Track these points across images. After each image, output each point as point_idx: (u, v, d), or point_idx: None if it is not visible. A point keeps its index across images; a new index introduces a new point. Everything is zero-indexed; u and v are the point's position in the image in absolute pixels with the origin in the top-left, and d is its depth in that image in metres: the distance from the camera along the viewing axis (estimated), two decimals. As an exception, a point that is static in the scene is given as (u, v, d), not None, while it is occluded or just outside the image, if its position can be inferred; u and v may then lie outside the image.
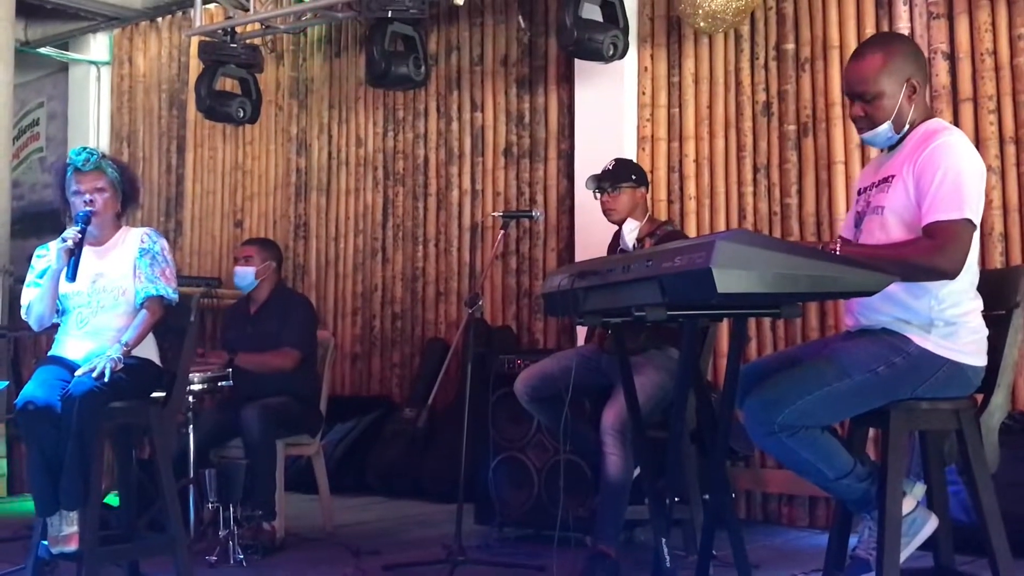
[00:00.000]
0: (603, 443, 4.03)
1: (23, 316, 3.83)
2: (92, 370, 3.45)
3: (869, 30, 5.36)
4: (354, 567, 4.43)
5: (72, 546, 3.43)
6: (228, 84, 7.34)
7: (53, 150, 9.77)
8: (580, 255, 6.21)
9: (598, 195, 4.44)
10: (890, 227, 2.82)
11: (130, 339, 3.62)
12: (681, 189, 5.97)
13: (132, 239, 3.85)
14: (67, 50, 9.20)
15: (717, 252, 2.31)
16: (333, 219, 7.71)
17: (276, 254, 5.45)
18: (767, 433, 2.74)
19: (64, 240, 3.62)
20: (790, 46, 5.63)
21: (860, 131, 2.94)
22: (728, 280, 2.32)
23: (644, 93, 6.11)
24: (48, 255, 3.80)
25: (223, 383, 4.76)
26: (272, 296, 5.24)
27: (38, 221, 9.30)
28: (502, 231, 4.56)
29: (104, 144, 9.19)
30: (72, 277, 3.58)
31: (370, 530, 5.43)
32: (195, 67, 8.46)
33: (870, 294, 2.52)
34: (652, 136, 6.09)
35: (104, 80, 9.26)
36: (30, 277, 3.82)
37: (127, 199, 3.90)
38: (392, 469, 6.65)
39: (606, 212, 4.43)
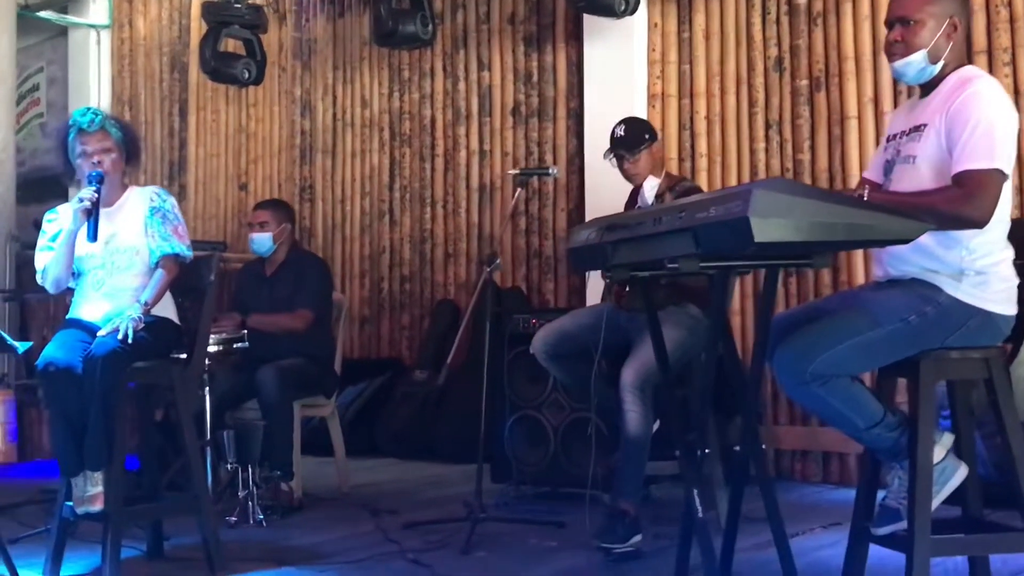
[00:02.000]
0: (622, 400, 4.02)
1: (39, 280, 3.80)
2: (115, 331, 3.43)
3: (882, -16, 5.32)
4: (374, 525, 4.44)
5: (97, 506, 3.42)
6: (231, 46, 7.28)
7: (54, 115, 9.71)
8: (592, 214, 6.16)
9: (616, 163, 4.41)
10: (922, 176, 2.80)
11: (149, 298, 3.60)
12: (692, 147, 5.94)
13: (140, 198, 3.82)
14: (66, 14, 9.12)
15: (754, 200, 2.29)
16: (339, 181, 7.68)
17: (290, 214, 5.42)
18: (799, 383, 2.73)
19: (81, 200, 3.58)
20: (802, 0, 5.58)
21: (893, 57, 2.90)
22: (765, 229, 2.30)
23: (654, 50, 6.07)
24: (59, 218, 3.77)
25: (239, 344, 4.75)
26: (288, 258, 5.22)
27: (39, 187, 9.21)
28: (519, 188, 4.54)
29: (105, 108, 9.12)
30: (94, 237, 3.56)
31: (385, 490, 5.44)
32: (197, 29, 8.41)
33: (905, 242, 2.50)
34: (662, 93, 6.05)
35: (104, 44, 9.20)
36: (43, 241, 3.79)
37: (131, 158, 3.86)
38: (403, 431, 6.65)
39: (629, 177, 4.41)
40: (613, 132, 4.40)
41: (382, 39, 6.24)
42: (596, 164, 6.09)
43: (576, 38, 6.46)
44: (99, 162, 3.68)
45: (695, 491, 2.83)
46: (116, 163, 3.76)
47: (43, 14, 8.93)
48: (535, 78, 6.70)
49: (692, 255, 2.53)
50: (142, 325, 3.49)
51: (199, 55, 6.98)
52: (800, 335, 2.77)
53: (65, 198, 9.15)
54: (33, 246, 7.28)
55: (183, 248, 3.74)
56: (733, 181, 5.76)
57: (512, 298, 6.67)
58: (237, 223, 8.25)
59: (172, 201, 3.85)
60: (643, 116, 5.97)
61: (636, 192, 4.53)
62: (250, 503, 4.45)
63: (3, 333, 3.39)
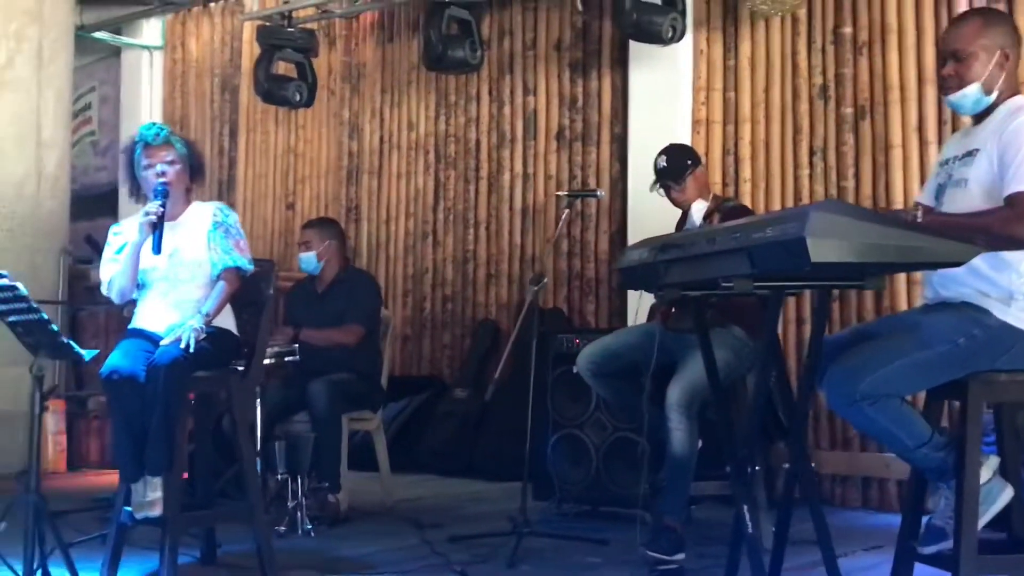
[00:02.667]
0: (668, 419, 4.08)
1: (104, 291, 3.91)
2: (177, 340, 3.54)
3: (927, 14, 5.38)
4: (419, 539, 4.51)
5: (156, 511, 3.51)
6: (283, 68, 7.43)
7: (105, 134, 9.91)
8: (634, 237, 6.25)
9: (664, 194, 4.49)
10: (974, 199, 2.86)
11: (210, 309, 3.70)
12: (736, 172, 6.01)
13: (204, 213, 3.93)
14: (120, 35, 9.31)
15: (811, 221, 2.36)
16: (384, 202, 7.80)
17: (335, 232, 5.52)
18: (849, 403, 2.79)
19: (147, 214, 3.70)
20: (847, 29, 5.65)
21: (948, 91, 2.97)
22: (821, 249, 2.36)
23: (699, 77, 6.15)
24: (124, 232, 3.88)
25: (290, 358, 4.84)
26: (340, 275, 5.33)
27: (90, 204, 9.43)
28: (566, 210, 4.62)
29: (156, 128, 9.31)
30: (158, 249, 3.67)
31: (428, 505, 5.51)
32: (248, 52, 8.58)
33: (957, 265, 2.57)
34: (707, 119, 6.13)
35: (156, 65, 9.38)
36: (108, 253, 3.90)
37: (195, 173, 3.98)
38: (444, 448, 6.73)
39: (677, 204, 4.49)
40: (656, 164, 4.49)
41: (432, 64, 6.36)
42: (639, 188, 6.16)
43: (621, 64, 6.56)
44: (163, 173, 3.79)
45: (745, 508, 2.88)
46: (180, 176, 3.87)
47: (98, 35, 9.11)
48: (580, 103, 6.80)
49: (746, 275, 2.60)
50: (203, 335, 3.59)
51: (252, 77, 7.12)
52: (851, 356, 2.83)
53: (114, 215, 9.38)
54: (84, 261, 7.50)
55: (244, 262, 3.85)
56: (777, 206, 5.82)
57: (554, 319, 6.75)
58: (284, 242, 8.38)
59: (235, 216, 3.97)
60: (687, 141, 6.05)
61: (685, 215, 4.60)
62: (299, 513, 4.54)
63: (72, 342, 3.49)
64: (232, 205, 8.68)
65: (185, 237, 3.85)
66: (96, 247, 8.01)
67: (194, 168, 3.96)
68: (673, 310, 4.43)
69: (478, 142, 7.29)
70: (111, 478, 6.62)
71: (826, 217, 2.39)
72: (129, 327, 3.83)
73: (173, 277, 3.80)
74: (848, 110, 5.64)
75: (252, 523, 3.74)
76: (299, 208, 8.35)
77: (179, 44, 9.24)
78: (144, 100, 9.37)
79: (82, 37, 9.00)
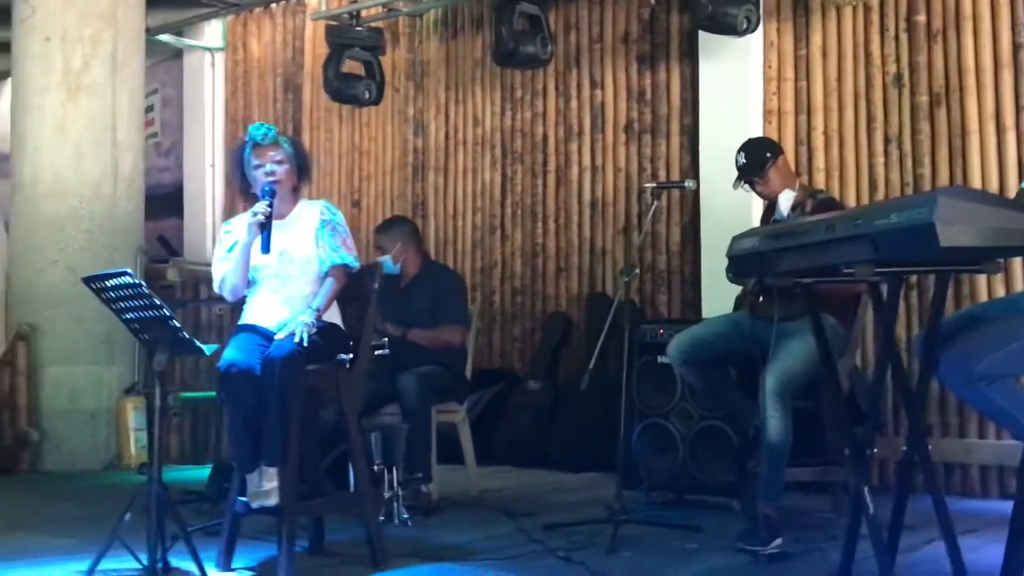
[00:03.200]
0: (764, 407, 4.13)
1: (216, 289, 4.02)
2: (291, 335, 3.63)
3: (1003, 0, 5.39)
4: (513, 527, 4.58)
5: (273, 501, 3.61)
6: (346, 67, 7.51)
7: (168, 135, 10.06)
8: (706, 229, 6.31)
9: (748, 189, 4.54)
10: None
11: (320, 305, 3.80)
12: (809, 162, 6.04)
13: (311, 211, 4.02)
14: (182, 36, 9.45)
15: (940, 207, 2.41)
16: (451, 198, 7.88)
17: (405, 231, 5.58)
18: (966, 382, 2.84)
19: (255, 214, 3.80)
20: (921, 17, 5.67)
21: None
22: (950, 234, 2.41)
23: (770, 67, 6.19)
24: (235, 230, 3.98)
25: (380, 352, 4.93)
26: (422, 271, 5.42)
27: (156, 204, 9.55)
28: (655, 202, 4.67)
29: (219, 129, 9.46)
30: (267, 248, 3.77)
31: (513, 495, 5.59)
32: (310, 51, 8.71)
33: (1082, 248, 2.61)
34: (779, 110, 6.16)
35: (218, 65, 9.51)
36: (219, 251, 4.01)
37: (301, 173, 4.07)
38: (519, 439, 6.81)
39: (764, 197, 4.53)
40: (736, 161, 4.55)
41: (503, 60, 6.43)
42: (711, 179, 6.24)
43: (690, 56, 6.61)
44: (272, 172, 3.89)
45: (865, 489, 2.93)
46: (288, 175, 3.97)
47: (162, 37, 9.25)
48: (648, 95, 6.85)
49: (867, 261, 2.65)
50: (314, 329, 3.69)
51: (322, 76, 7.22)
52: (968, 337, 2.88)
53: (180, 215, 9.51)
54: (159, 260, 7.63)
55: (351, 259, 3.94)
56: (851, 195, 5.84)
57: (625, 311, 6.80)
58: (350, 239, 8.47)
59: (340, 214, 4.06)
60: (759, 132, 6.10)
61: (772, 206, 4.65)
62: (395, 504, 4.62)
63: (193, 339, 3.59)
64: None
65: (294, 235, 3.95)
66: (168, 247, 8.19)
67: (301, 167, 4.05)
68: (760, 299, 4.48)
69: (545, 136, 7.35)
70: (193, 473, 6.78)
71: (954, 202, 2.44)
72: (239, 323, 3.93)
73: (283, 274, 3.90)
74: (923, 98, 5.65)
75: (362, 512, 3.83)
76: (365, 205, 8.46)
77: (240, 45, 9.36)
78: (207, 101, 9.51)
79: (147, 40, 9.16)
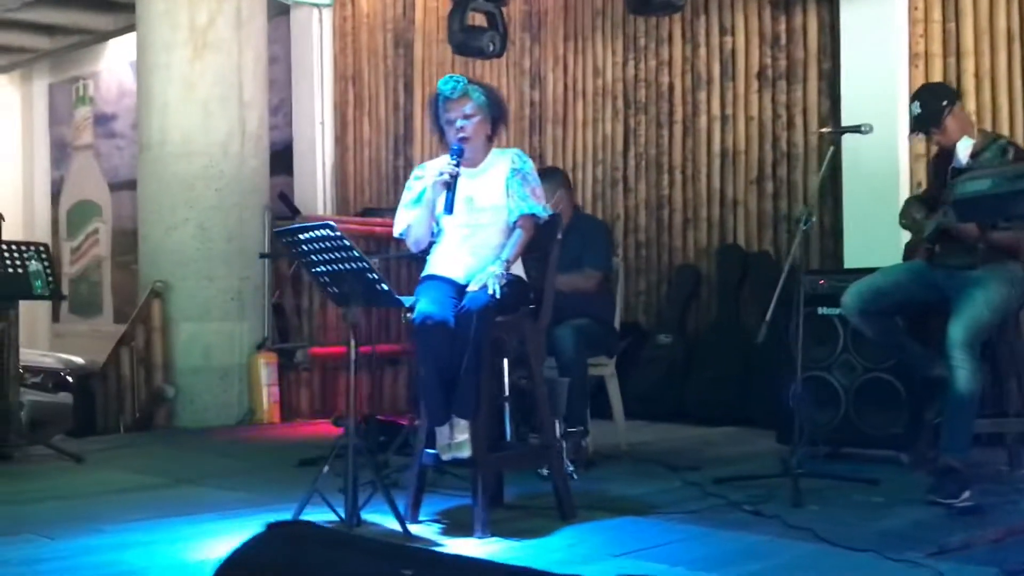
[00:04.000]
0: (951, 357, 4.01)
1: (396, 234, 3.99)
2: (485, 286, 3.59)
3: None
4: (681, 481, 4.52)
5: (465, 453, 3.59)
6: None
7: (276, 93, 10.00)
8: (848, 178, 6.16)
9: (924, 140, 4.39)
10: None
11: (509, 256, 3.75)
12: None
13: (503, 160, 3.96)
14: (290, -7, 9.43)
15: None
16: (570, 150, 7.79)
17: (560, 180, 5.50)
18: None
19: (441, 173, 3.75)
20: (1086, -49, 5.45)
21: None
22: None
23: (916, 8, 6.00)
24: (425, 177, 3.94)
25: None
26: (572, 221, 5.33)
27: (265, 162, 9.59)
28: (831, 147, 4.54)
29: (328, 85, 9.45)
30: (450, 209, 3.73)
31: (661, 449, 5.53)
32: (421, 5, 8.65)
33: None
34: (926, 52, 5.98)
35: (326, 22, 9.47)
36: (406, 197, 3.98)
37: (496, 121, 4.01)
38: (651, 393, 6.74)
39: (941, 147, 4.38)
40: (911, 111, 4.40)
41: (638, 7, 6.29)
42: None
43: (828, -1, 6.44)
44: (462, 128, 3.84)
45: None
46: (479, 126, 3.91)
47: (269, -5, 9.23)
48: (783, 41, 6.68)
49: None
50: (504, 281, 3.64)
51: (447, 28, 7.12)
52: None
53: (290, 173, 9.49)
54: (282, 217, 7.62)
55: (540, 209, 3.88)
56: (1005, 140, 5.66)
57: (759, 262, 6.70)
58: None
59: (531, 163, 3.99)
60: (904, 76, 5.95)
61: (946, 155, 4.50)
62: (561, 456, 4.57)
63: (391, 291, 3.54)
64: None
65: (485, 184, 3.90)
66: (289, 204, 8.19)
67: (495, 115, 3.99)
68: (936, 247, 4.35)
69: (671, 85, 7.22)
70: (324, 427, 6.82)
71: None
72: (425, 273, 3.89)
73: (473, 224, 3.85)
74: (1088, 36, 5.45)
75: (550, 463, 3.79)
76: (480, 159, 8.39)
77: (348, 1, 9.31)
78: (315, 58, 9.49)
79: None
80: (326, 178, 9.47)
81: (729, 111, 6.92)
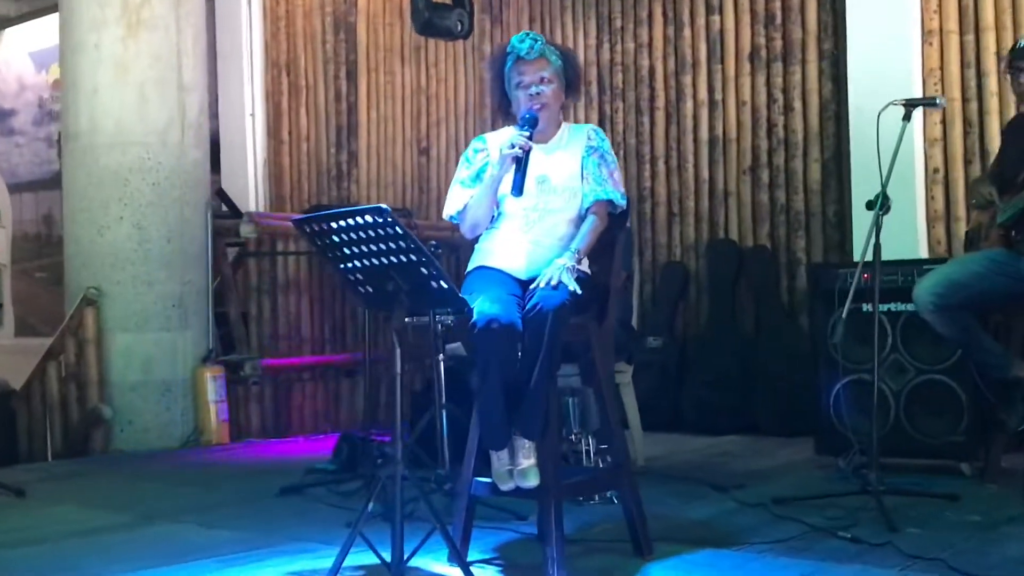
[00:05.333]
0: (1052, 355, 3.57)
1: (450, 218, 3.37)
2: (557, 283, 2.99)
3: None
4: (737, 502, 3.99)
5: (532, 481, 2.99)
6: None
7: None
8: (857, 166, 5.72)
9: (1013, 77, 3.91)
10: None
11: (581, 247, 3.16)
12: (979, 87, 5.48)
13: (578, 136, 3.38)
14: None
15: None
16: (538, 140, 7.22)
17: None
18: None
19: (512, 145, 3.14)
20: (1116, -80, 5.10)
21: None
22: None
23: (929, -19, 5.60)
24: (488, 150, 3.33)
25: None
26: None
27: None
28: (904, 122, 4.05)
29: (259, 73, 8.71)
30: (519, 190, 3.12)
31: (680, 463, 5.02)
32: (364, -13, 7.99)
33: None
34: (941, 29, 5.58)
35: (255, 4, 8.73)
36: (464, 174, 3.36)
37: (571, 89, 3.42)
38: (645, 400, 6.15)
39: (1020, 94, 3.90)
40: (1018, 43, 3.92)
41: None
42: (863, 108, 5.63)
43: (829, -27, 6.01)
44: (539, 94, 3.25)
45: None
46: (556, 94, 3.33)
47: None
48: (778, 19, 6.23)
49: None
50: (575, 275, 3.05)
51: (411, 6, 6.50)
52: None
53: (217, 171, 8.72)
54: (220, 216, 6.89)
55: (618, 195, 3.30)
56: (1030, 122, 5.27)
57: (755, 256, 6.24)
58: (418, 189, 7.83)
59: (609, 143, 3.41)
60: (917, 54, 5.57)
61: (1018, 124, 4.07)
62: (598, 478, 4.01)
63: (455, 290, 2.89)
64: (354, 152, 8.16)
65: (559, 162, 3.30)
66: (228, 200, 7.46)
67: (570, 82, 3.40)
68: (1015, 235, 3.91)
69: (652, 69, 6.71)
70: (283, 448, 6.14)
71: None
72: (477, 265, 3.26)
73: (542, 207, 3.24)
74: (1121, 10, 5.10)
75: (625, 489, 3.21)
76: (435, 154, 7.79)
77: (281, -19, 8.61)
78: (244, 43, 8.74)
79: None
80: (258, 174, 8.72)
81: (718, 96, 6.44)
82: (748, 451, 5.35)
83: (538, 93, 3.26)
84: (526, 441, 3.02)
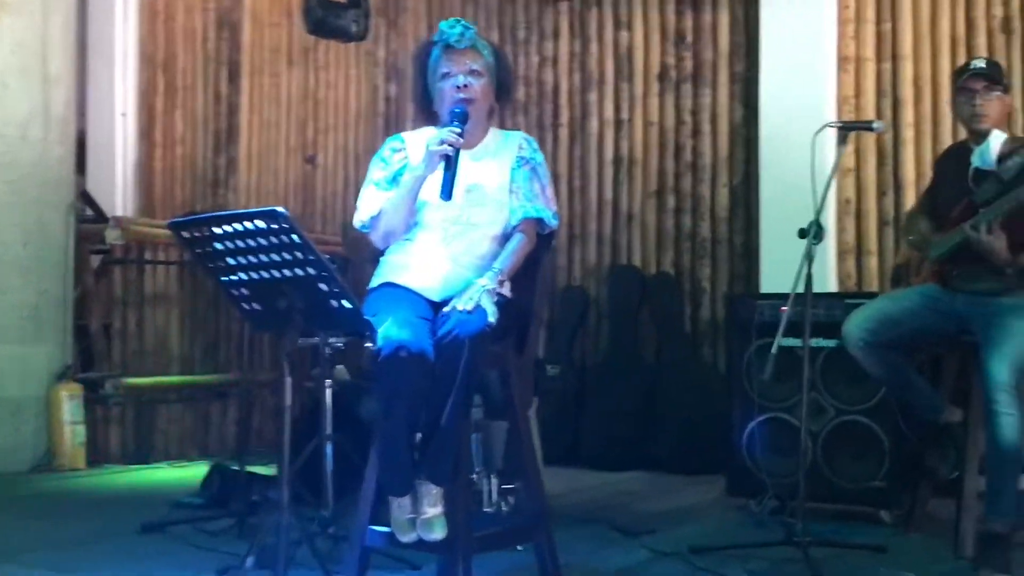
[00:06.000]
0: (994, 401, 3.33)
1: (362, 226, 2.96)
2: (475, 307, 2.62)
3: None
4: (650, 551, 3.67)
5: (439, 533, 2.61)
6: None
7: (67, 78, 8.61)
8: (768, 191, 5.51)
9: (965, 97, 3.67)
10: None
11: (506, 267, 2.79)
12: (895, 116, 5.31)
13: (508, 144, 3.02)
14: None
15: None
16: (437, 153, 6.84)
17: None
18: None
19: (441, 142, 2.76)
20: (1037, -50, 5.00)
21: None
22: None
23: (846, 7, 5.43)
24: (408, 148, 2.94)
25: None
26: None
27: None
28: (841, 145, 3.80)
29: (132, 70, 8.12)
30: (448, 194, 2.74)
31: (580, 502, 4.69)
32: (250, -17, 7.52)
33: None
34: (857, 56, 5.41)
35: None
36: (377, 175, 2.97)
37: (501, 91, 3.06)
38: (543, 432, 5.85)
39: (975, 117, 3.67)
40: (971, 64, 3.71)
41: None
42: (775, 134, 5.45)
43: (744, -6, 5.80)
44: (466, 86, 2.87)
45: None
46: (485, 91, 2.96)
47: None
48: (689, 38, 5.99)
49: None
50: (495, 299, 2.69)
51: (304, 6, 6.07)
52: None
53: (81, 170, 8.10)
54: (84, 220, 6.32)
55: (549, 214, 2.95)
56: (946, 153, 5.13)
57: (659, 285, 5.97)
58: (303, 200, 7.36)
59: (542, 155, 3.05)
60: (832, 81, 5.41)
61: (954, 154, 3.86)
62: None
63: (359, 310, 2.49)
64: (233, 158, 7.66)
65: (487, 171, 2.93)
66: (92, 204, 6.88)
67: (502, 84, 3.04)
68: (951, 269, 3.68)
69: (556, 85, 6.41)
70: (145, 476, 5.60)
71: None
72: (383, 281, 2.85)
73: (465, 220, 2.86)
74: (1040, 45, 5.00)
75: (542, 540, 2.85)
76: (321, 162, 7.34)
77: (160, -27, 8.05)
78: (117, 38, 8.12)
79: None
80: (127, 177, 8.10)
81: (625, 115, 6.17)
82: (652, 490, 5.05)
83: (466, 85, 2.90)
84: (433, 487, 2.63)
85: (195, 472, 5.21)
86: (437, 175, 2.78)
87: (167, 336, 6.33)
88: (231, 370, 6.50)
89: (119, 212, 7.67)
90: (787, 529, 3.52)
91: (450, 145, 2.75)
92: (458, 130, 2.79)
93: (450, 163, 2.75)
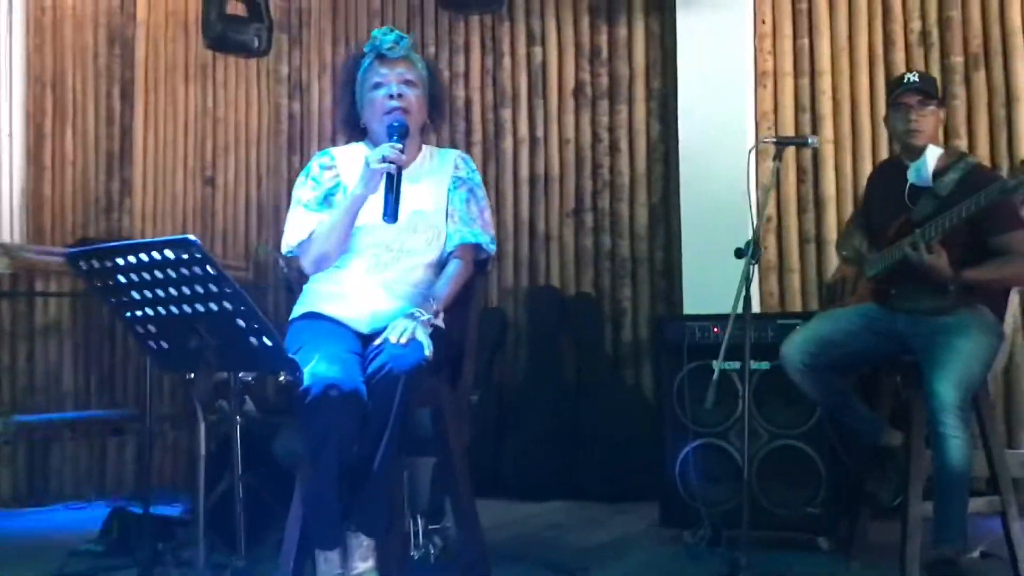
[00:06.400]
0: (940, 423, 3.22)
1: (289, 252, 2.71)
2: (410, 340, 2.40)
3: (1048, -52, 4.78)
4: (587, 589, 3.48)
5: (372, 590, 2.38)
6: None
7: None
8: (687, 209, 5.40)
9: (900, 112, 3.56)
10: None
11: (443, 295, 2.58)
12: (815, 131, 5.24)
13: (444, 163, 2.81)
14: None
15: None
16: (340, 174, 6.59)
17: None
18: None
19: (383, 158, 2.53)
20: (953, -36, 4.98)
21: None
22: None
23: (764, 21, 5.37)
24: (340, 167, 2.70)
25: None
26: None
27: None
28: (775, 161, 3.66)
29: (18, 89, 7.69)
30: (392, 216, 2.51)
31: (506, 538, 4.46)
32: (144, -1, 7.20)
33: None
34: (775, 71, 5.35)
35: (17, 11, 7.70)
36: (306, 195, 2.72)
37: (434, 107, 2.85)
38: (460, 462, 5.65)
39: (910, 132, 3.56)
40: (905, 78, 3.59)
41: (444, 2, 5.30)
42: (693, 151, 5.36)
43: (658, 8, 5.69)
44: (400, 96, 2.65)
45: None
46: (419, 104, 2.75)
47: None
48: (604, 54, 5.86)
49: None
50: (429, 331, 2.47)
51: (203, 20, 5.77)
52: None
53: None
54: None
55: (487, 239, 2.75)
56: (867, 168, 5.07)
57: (579, 306, 5.81)
58: (203, 223, 7.03)
59: (479, 174, 2.84)
60: (751, 96, 5.33)
61: (888, 170, 3.77)
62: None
63: (281, 348, 2.25)
64: (127, 180, 7.31)
65: (425, 193, 2.72)
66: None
67: (435, 98, 2.82)
68: (889, 288, 3.57)
69: (468, 101, 6.22)
70: (39, 520, 5.24)
71: None
72: (303, 310, 2.61)
73: (398, 247, 2.63)
74: (957, 59, 4.98)
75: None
76: (222, 183, 7.03)
77: (48, -13, 7.66)
78: (2, 56, 7.70)
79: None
80: (14, 202, 7.66)
81: (540, 132, 6.01)
82: (579, 521, 4.87)
83: (400, 95, 2.69)
84: (364, 539, 2.40)
85: (93, 515, 4.87)
86: (378, 196, 2.56)
87: (59, 370, 5.96)
88: (128, 404, 6.16)
89: (5, 239, 7.25)
90: (730, 562, 3.35)
91: (392, 162, 2.53)
92: (399, 146, 2.59)
93: (392, 182, 2.53)
